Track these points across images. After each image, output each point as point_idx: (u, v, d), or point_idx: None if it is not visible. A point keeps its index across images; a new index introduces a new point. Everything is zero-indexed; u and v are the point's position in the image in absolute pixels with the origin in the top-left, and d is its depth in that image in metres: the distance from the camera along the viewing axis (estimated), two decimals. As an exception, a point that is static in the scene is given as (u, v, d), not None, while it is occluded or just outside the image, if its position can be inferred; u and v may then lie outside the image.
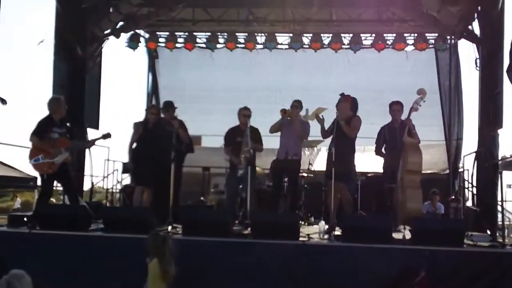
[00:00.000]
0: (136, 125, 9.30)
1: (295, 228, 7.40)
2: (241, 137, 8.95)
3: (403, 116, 8.74)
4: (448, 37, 12.18)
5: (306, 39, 12.36)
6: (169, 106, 9.38)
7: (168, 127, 8.72)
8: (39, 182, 9.26)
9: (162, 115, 9.31)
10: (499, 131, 9.43)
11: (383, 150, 9.23)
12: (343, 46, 12.15)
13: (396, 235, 7.56)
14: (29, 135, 8.31)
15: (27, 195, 20.18)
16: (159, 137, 8.80)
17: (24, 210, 15.50)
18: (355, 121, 8.48)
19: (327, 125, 8.67)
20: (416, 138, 8.54)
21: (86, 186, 11.82)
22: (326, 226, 7.86)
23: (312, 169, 12.07)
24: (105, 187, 12.59)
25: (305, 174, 10.68)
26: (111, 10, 11.39)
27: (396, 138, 8.66)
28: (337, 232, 7.89)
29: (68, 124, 8.75)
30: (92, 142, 9.15)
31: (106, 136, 8.72)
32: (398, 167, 8.33)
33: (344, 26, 12.26)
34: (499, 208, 9.10)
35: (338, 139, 8.25)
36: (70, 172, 8.97)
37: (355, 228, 7.32)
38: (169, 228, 7.74)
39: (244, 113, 9.18)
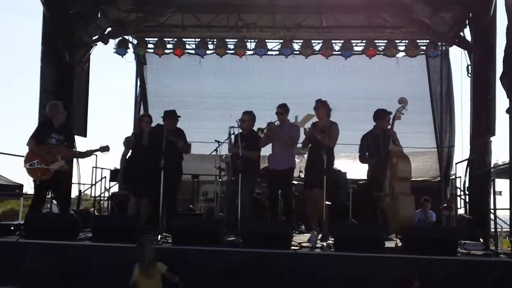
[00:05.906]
0: (127, 141, 9.07)
1: (287, 237, 7.30)
2: (242, 142, 8.64)
3: None
4: (440, 43, 12.15)
5: (296, 45, 12.27)
6: (172, 115, 9.21)
7: (169, 137, 8.62)
8: (26, 190, 9.06)
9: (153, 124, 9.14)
10: (492, 138, 9.34)
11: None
12: (333, 53, 12.04)
13: (389, 244, 7.50)
14: (28, 139, 8.21)
15: (12, 203, 19.85)
16: (156, 147, 8.53)
17: (7, 218, 15.19)
18: (333, 130, 8.49)
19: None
20: (400, 146, 8.43)
21: (74, 194, 11.65)
22: (319, 235, 7.75)
23: (303, 177, 11.94)
24: (92, 195, 12.43)
25: (295, 182, 10.55)
26: (99, 15, 11.23)
27: (380, 146, 8.47)
28: (330, 241, 7.79)
29: (68, 132, 8.65)
30: (90, 153, 8.85)
31: (104, 149, 8.59)
32: (384, 176, 8.13)
33: (334, 32, 12.14)
34: (492, 216, 9.02)
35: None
36: (64, 181, 8.81)
37: (347, 237, 7.24)
38: (159, 237, 7.63)
39: (241, 118, 9.00)
